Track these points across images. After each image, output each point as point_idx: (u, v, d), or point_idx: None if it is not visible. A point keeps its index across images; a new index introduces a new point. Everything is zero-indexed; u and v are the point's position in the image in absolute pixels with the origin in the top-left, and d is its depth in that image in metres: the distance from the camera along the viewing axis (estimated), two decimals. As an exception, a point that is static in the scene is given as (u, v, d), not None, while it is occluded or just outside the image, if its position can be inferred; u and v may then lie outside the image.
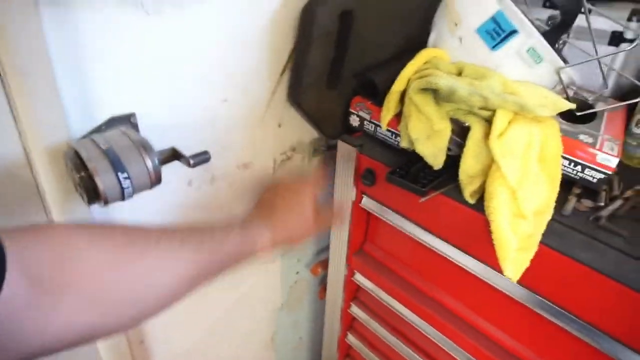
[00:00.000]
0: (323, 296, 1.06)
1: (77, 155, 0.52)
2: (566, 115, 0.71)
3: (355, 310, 0.97)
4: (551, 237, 0.59)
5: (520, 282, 0.62)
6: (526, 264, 0.57)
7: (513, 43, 0.65)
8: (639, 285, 0.51)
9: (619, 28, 0.82)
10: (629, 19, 0.82)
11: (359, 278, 0.92)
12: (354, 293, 0.97)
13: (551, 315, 0.62)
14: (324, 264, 1.02)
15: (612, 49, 0.83)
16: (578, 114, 0.72)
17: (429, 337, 0.82)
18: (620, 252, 0.55)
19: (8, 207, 0.56)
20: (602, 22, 0.82)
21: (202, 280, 0.47)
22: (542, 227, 0.59)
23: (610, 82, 0.87)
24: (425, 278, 0.83)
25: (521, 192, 0.60)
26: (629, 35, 0.82)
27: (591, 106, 0.74)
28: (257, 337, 1.11)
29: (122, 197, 0.53)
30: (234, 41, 0.68)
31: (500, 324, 0.74)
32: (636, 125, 0.75)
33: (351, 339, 1.03)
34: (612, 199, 0.65)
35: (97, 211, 0.61)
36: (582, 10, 0.65)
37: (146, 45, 0.59)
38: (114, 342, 0.73)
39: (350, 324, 1.03)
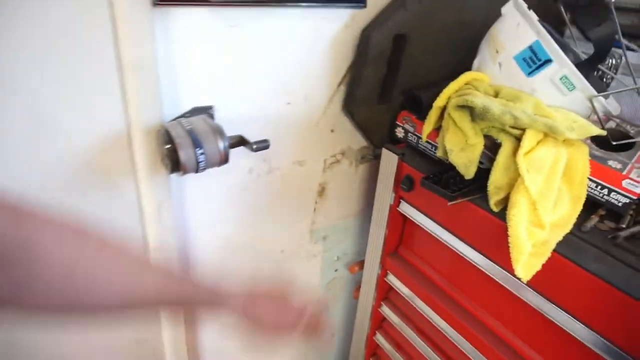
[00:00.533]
0: (357, 296, 1.14)
1: (167, 133, 0.65)
2: (603, 144, 0.76)
3: (385, 310, 1.04)
4: (566, 247, 0.64)
5: (536, 287, 0.68)
6: (537, 267, 0.63)
7: (547, 71, 0.71)
8: (642, 297, 0.56)
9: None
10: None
11: (391, 279, 0.99)
12: (385, 293, 1.04)
13: (575, 333, 0.66)
14: (362, 264, 1.10)
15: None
16: (613, 143, 0.76)
17: (455, 343, 0.87)
18: (631, 268, 0.59)
19: (107, 170, 0.71)
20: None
21: (144, 309, 0.48)
22: (558, 238, 0.64)
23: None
24: (455, 285, 0.88)
25: (541, 204, 0.66)
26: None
27: (628, 136, 0.77)
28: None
29: (197, 170, 0.66)
30: (301, 54, 0.81)
31: (525, 337, 0.77)
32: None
33: (379, 338, 1.09)
34: (636, 223, 0.69)
35: (175, 180, 0.75)
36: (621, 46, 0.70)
37: (227, 52, 0.73)
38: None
39: (379, 323, 1.09)
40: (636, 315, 0.57)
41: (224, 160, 0.68)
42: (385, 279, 1.00)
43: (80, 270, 0.40)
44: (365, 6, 0.81)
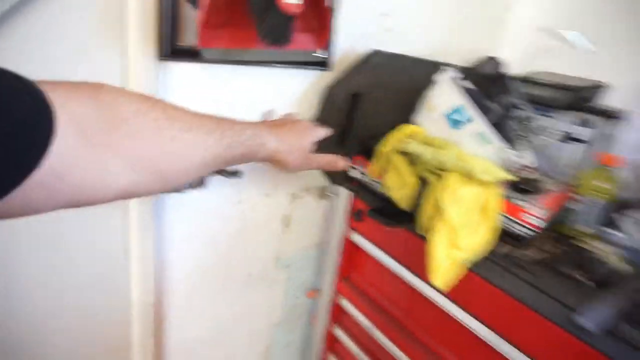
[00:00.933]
0: (314, 322, 1.24)
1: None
2: (519, 189, 0.93)
3: (338, 332, 1.15)
4: (478, 267, 0.79)
5: (453, 298, 0.81)
6: (452, 279, 0.77)
7: (468, 128, 0.89)
8: (532, 303, 0.70)
9: (569, 129, 1.05)
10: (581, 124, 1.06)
11: (343, 302, 1.11)
12: (338, 316, 1.15)
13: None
14: (319, 291, 1.22)
15: (562, 145, 1.07)
16: (521, 187, 0.93)
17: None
18: (526, 283, 0.74)
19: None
20: (562, 123, 1.07)
21: (217, 166, 0.53)
22: (473, 258, 0.79)
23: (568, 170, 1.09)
24: (398, 306, 1.01)
25: (460, 231, 0.81)
26: (574, 135, 1.06)
27: (536, 183, 0.95)
28: (254, 347, 1.29)
29: (178, 190, 0.79)
30: (275, 103, 0.97)
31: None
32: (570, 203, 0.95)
33: (331, 359, 1.19)
34: (542, 252, 0.85)
35: (157, 202, 0.88)
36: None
37: (212, 99, 0.88)
38: (144, 317, 0.96)
39: (332, 345, 1.19)
40: (528, 320, 0.71)
41: (201, 184, 0.82)
42: (337, 302, 1.12)
43: (162, 138, 0.43)
44: (330, 69, 1.00)
